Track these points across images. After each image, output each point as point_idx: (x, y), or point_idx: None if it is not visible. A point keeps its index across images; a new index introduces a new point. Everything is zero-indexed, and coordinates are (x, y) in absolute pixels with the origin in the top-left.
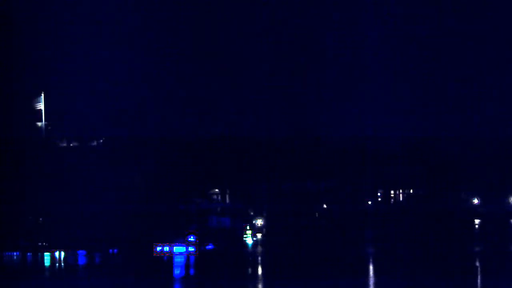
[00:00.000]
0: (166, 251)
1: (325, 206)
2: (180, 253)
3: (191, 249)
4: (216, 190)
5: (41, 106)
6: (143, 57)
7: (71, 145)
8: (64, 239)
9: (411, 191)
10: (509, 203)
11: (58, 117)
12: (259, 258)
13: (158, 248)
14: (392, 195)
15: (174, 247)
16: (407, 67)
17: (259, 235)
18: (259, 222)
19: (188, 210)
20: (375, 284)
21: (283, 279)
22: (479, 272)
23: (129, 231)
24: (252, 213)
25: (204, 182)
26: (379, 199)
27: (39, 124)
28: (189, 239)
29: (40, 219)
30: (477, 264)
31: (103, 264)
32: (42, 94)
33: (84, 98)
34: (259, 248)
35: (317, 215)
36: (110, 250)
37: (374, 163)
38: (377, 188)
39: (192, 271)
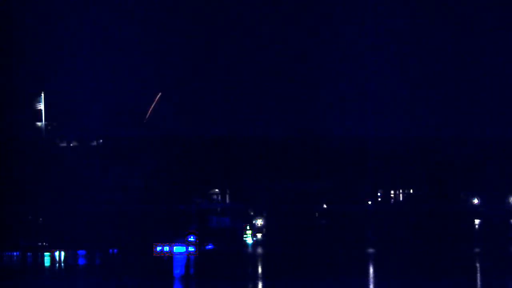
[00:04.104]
0: (166, 251)
1: (325, 206)
2: (180, 253)
3: (191, 249)
4: (216, 190)
5: (41, 106)
6: (143, 57)
7: (71, 145)
8: (64, 239)
9: (411, 191)
10: (509, 203)
11: (58, 117)
12: (259, 258)
13: (158, 248)
14: (392, 195)
15: (174, 247)
16: (408, 67)
17: (259, 235)
18: (259, 222)
19: (188, 210)
20: (375, 284)
21: (283, 279)
22: (479, 272)
23: (129, 231)
24: (252, 213)
25: (204, 182)
26: (379, 199)
27: (39, 124)
28: (189, 239)
29: (40, 219)
30: (477, 264)
31: (103, 264)
32: (42, 94)
33: (84, 98)
34: (259, 248)
35: (317, 215)
36: (110, 250)
37: (374, 163)
38: (377, 188)
39: (192, 271)
